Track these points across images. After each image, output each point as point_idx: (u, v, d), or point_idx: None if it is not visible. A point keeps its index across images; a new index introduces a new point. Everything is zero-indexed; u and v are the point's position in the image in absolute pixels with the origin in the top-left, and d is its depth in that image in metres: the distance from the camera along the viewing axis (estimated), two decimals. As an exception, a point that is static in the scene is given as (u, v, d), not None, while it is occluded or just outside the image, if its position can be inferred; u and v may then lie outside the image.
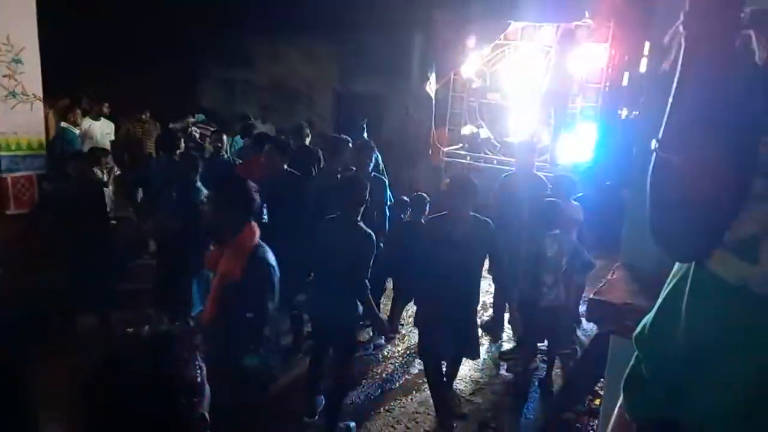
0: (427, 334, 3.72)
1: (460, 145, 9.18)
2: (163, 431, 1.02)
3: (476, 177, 8.46)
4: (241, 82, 12.42)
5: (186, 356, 1.04)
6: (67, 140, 6.99)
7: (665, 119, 0.92)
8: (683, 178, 0.88)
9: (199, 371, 1.06)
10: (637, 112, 7.63)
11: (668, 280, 1.06)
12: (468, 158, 8.85)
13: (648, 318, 1.10)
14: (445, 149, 9.16)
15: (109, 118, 8.04)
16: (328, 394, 3.67)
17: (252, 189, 2.51)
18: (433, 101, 8.93)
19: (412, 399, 4.08)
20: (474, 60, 8.70)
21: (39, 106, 6.30)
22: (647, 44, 6.25)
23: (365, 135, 6.11)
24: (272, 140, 5.17)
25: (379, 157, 5.58)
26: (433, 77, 8.94)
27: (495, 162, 8.33)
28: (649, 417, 1.10)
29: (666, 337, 1.03)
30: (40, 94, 6.28)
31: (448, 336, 3.58)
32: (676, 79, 0.90)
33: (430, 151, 9.26)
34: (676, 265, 1.05)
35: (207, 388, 1.09)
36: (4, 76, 6.00)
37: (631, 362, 1.13)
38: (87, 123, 7.52)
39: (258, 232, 2.51)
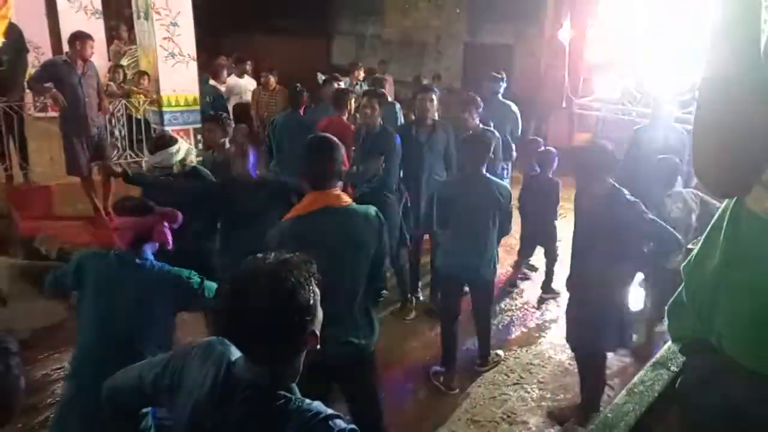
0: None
1: (596, 95, 8.66)
2: (280, 342, 1.23)
3: (606, 130, 8.01)
4: (370, 37, 12.63)
5: (302, 281, 1.22)
6: (213, 97, 7.66)
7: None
8: (716, 129, 0.97)
9: (312, 295, 1.24)
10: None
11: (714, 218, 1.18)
12: (603, 110, 8.34)
13: (695, 250, 1.20)
14: (579, 100, 8.70)
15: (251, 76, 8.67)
16: (480, 338, 3.86)
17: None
18: (567, 49, 8.46)
19: (527, 351, 4.14)
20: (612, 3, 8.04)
21: (193, 65, 6.98)
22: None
23: (500, 87, 5.66)
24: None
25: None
26: (567, 23, 8.44)
27: (633, 114, 7.79)
28: (685, 337, 1.24)
29: (704, 266, 1.13)
30: (194, 54, 6.95)
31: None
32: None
33: (563, 103, 8.85)
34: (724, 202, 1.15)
35: (320, 311, 1.28)
36: (164, 38, 6.71)
37: (677, 291, 1.27)
38: (232, 80, 8.18)
39: None
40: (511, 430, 3.32)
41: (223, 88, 7.91)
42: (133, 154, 7.05)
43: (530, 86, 9.07)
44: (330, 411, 1.23)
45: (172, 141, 3.39)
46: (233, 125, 4.62)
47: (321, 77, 7.29)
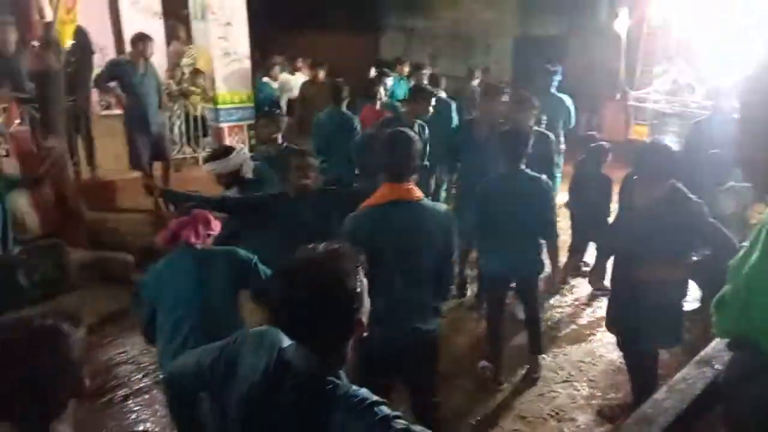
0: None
1: (653, 87, 8.37)
2: (328, 329, 1.28)
3: (665, 124, 7.72)
4: (420, 30, 12.60)
5: (350, 270, 1.28)
6: (265, 93, 7.85)
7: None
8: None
9: (359, 284, 1.29)
10: None
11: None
12: (661, 102, 8.07)
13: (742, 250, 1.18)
14: (635, 93, 8.44)
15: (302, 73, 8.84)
16: (530, 336, 3.81)
17: None
18: (623, 40, 8.20)
19: (577, 348, 4.09)
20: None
21: (247, 63, 7.19)
22: None
23: (554, 81, 5.56)
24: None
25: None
26: (624, 13, 8.16)
27: (693, 106, 7.50)
28: (729, 332, 1.29)
29: (746, 262, 1.15)
30: (247, 52, 7.15)
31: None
32: None
33: (618, 96, 8.60)
34: None
35: (367, 300, 1.33)
36: (219, 37, 6.94)
37: (724, 288, 1.29)
38: (285, 77, 8.37)
39: None
40: (559, 428, 3.30)
41: (276, 85, 8.09)
42: (190, 150, 7.32)
43: (583, 78, 8.86)
44: (376, 398, 1.26)
45: (228, 152, 3.50)
46: (286, 120, 4.74)
47: (373, 72, 7.34)
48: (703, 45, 7.88)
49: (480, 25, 11.47)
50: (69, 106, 5.88)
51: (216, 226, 2.48)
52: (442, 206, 2.45)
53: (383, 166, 2.40)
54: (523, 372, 3.77)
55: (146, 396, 3.53)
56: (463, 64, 10.48)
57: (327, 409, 1.23)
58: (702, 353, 1.54)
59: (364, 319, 1.31)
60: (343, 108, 5.24)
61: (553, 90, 5.50)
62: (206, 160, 3.52)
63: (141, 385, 3.64)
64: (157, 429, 3.27)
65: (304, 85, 7.87)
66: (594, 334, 4.25)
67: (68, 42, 6.08)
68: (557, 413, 3.41)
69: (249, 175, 3.46)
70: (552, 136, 4.51)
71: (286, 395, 1.29)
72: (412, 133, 2.44)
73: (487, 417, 3.38)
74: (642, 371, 3.14)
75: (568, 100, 5.45)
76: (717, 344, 1.63)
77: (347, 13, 11.62)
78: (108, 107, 8.36)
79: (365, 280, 1.32)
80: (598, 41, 9.04)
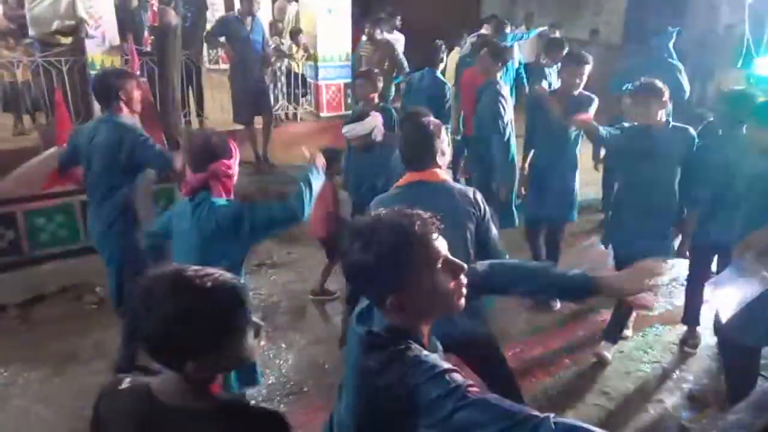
0: None
1: None
2: (399, 290, 1.23)
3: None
4: (524, -12, 12.03)
5: (425, 229, 1.24)
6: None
7: None
8: None
9: (434, 243, 1.24)
10: None
11: None
12: None
13: None
14: (762, 59, 7.63)
15: (400, 32, 8.77)
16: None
17: None
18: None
19: (671, 330, 3.93)
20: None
21: (347, 21, 7.24)
22: None
23: (671, 44, 5.15)
24: (490, 44, 4.79)
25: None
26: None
27: None
28: None
29: None
30: (348, 10, 7.19)
31: None
32: None
33: (740, 62, 7.83)
34: None
35: (441, 260, 1.26)
36: (323, -5, 7.01)
37: None
38: (381, 36, 8.35)
39: None
40: (642, 407, 3.23)
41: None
42: (291, 107, 7.57)
43: (702, 42, 8.14)
44: (447, 365, 1.18)
45: (365, 115, 3.64)
46: (382, 80, 4.75)
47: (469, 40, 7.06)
48: None
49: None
50: (183, 60, 6.26)
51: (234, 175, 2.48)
52: (471, 189, 2.39)
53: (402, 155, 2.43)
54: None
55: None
56: (570, 25, 9.93)
57: (397, 372, 1.17)
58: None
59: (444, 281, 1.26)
60: (438, 73, 5.09)
61: (666, 56, 5.10)
62: (345, 123, 3.68)
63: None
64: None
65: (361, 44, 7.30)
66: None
67: (184, -2, 6.42)
68: (643, 393, 3.34)
69: (378, 138, 3.60)
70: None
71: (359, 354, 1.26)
72: (429, 124, 2.39)
73: (570, 390, 3.36)
74: (741, 361, 2.97)
75: (680, 68, 5.03)
76: None
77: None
78: (216, 61, 8.79)
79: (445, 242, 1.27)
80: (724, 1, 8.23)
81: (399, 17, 8.86)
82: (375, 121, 3.57)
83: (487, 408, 1.09)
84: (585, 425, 1.05)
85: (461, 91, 5.47)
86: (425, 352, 1.23)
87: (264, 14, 7.20)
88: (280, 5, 8.32)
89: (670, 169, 3.32)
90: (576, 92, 3.92)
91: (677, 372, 3.51)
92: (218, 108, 7.14)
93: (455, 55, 6.73)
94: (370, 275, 1.23)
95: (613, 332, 3.64)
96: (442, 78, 5.11)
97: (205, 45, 7.44)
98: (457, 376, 1.16)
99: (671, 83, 4.91)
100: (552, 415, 1.05)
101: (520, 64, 7.06)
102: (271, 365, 3.49)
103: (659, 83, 3.33)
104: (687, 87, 5.09)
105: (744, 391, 2.91)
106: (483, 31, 6.99)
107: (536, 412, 1.07)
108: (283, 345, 3.70)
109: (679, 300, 4.27)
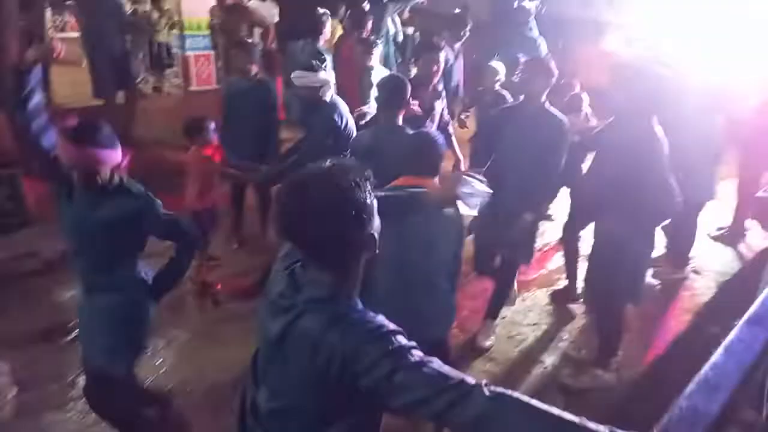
0: None
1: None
2: (338, 243, 1.22)
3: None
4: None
5: (358, 180, 1.22)
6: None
7: None
8: None
9: (369, 195, 1.24)
10: None
11: None
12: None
13: None
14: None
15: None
16: None
17: None
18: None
19: (546, 291, 4.16)
20: None
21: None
22: None
23: (533, 20, 5.53)
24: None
25: None
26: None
27: None
28: None
29: None
30: (217, -27, 6.68)
31: None
32: None
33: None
34: None
35: (377, 216, 1.27)
36: (186, -44, 6.46)
37: None
38: (254, 4, 7.91)
39: None
40: (526, 369, 3.38)
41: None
42: (154, 79, 6.97)
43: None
44: (394, 326, 1.20)
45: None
46: (259, 50, 4.49)
47: None
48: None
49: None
50: (20, 27, 5.46)
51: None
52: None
53: None
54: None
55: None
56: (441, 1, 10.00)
57: (341, 333, 1.17)
58: (751, 312, 1.49)
59: (376, 235, 1.26)
60: (319, 44, 4.97)
61: (529, 32, 5.38)
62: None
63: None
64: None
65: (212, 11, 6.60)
66: (563, 278, 4.32)
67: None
68: (525, 355, 3.50)
69: (327, 98, 3.41)
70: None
71: (296, 316, 1.24)
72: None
73: (456, 359, 3.41)
74: (608, 317, 3.22)
75: (543, 44, 5.33)
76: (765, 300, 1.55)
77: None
78: (62, 29, 7.83)
79: (374, 195, 1.26)
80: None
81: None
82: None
83: (425, 371, 1.11)
84: (516, 394, 1.08)
85: (340, 66, 5.33)
86: (371, 313, 1.23)
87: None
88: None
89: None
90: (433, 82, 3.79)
91: (554, 332, 3.72)
92: (68, 84, 6.36)
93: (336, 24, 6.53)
94: (313, 230, 1.20)
95: (495, 311, 3.64)
96: (322, 50, 4.95)
97: (48, 9, 6.58)
98: (401, 338, 1.17)
99: (532, 55, 5.18)
100: (485, 381, 1.09)
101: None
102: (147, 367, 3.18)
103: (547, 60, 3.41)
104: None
105: (612, 347, 3.20)
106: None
107: (471, 379, 1.11)
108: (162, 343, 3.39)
109: (552, 263, 4.54)
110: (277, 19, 7.31)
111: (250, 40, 4.38)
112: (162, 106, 6.63)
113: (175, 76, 7.14)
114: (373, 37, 4.99)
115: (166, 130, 5.45)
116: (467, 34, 4.99)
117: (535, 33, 5.42)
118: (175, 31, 6.81)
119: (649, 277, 4.32)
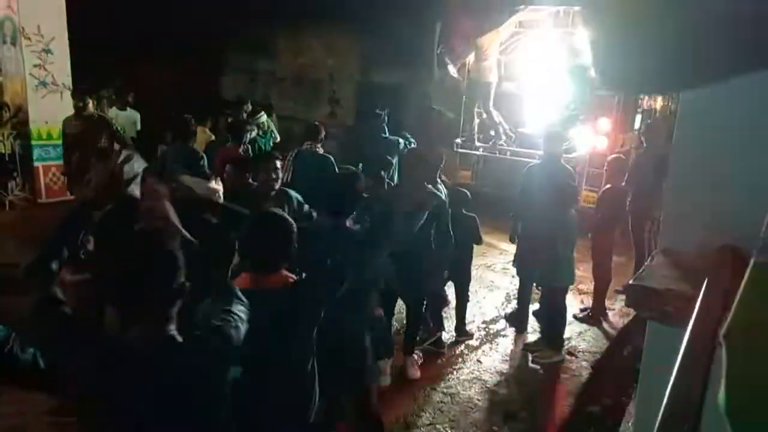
0: None
1: (465, 137, 8.71)
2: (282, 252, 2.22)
3: (491, 170, 8.26)
4: (264, 74, 12.45)
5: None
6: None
7: None
8: None
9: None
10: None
11: None
12: (480, 150, 8.47)
13: None
14: (461, 140, 8.82)
15: (134, 108, 8.13)
16: None
17: None
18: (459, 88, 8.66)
19: (434, 390, 4.09)
20: (488, 47, 8.03)
21: (68, 95, 6.41)
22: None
23: (385, 125, 6.23)
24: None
25: None
26: (452, 68, 8.61)
27: (508, 153, 8.03)
28: None
29: None
30: (69, 84, 6.40)
31: None
32: None
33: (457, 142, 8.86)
34: None
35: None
36: (35, 66, 6.13)
37: None
38: (113, 113, 7.62)
39: None
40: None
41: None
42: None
43: (421, 125, 9.28)
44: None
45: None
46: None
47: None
48: (518, 97, 8.55)
49: (324, 71, 11.67)
50: None
51: None
52: None
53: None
54: (387, 411, 3.62)
55: None
56: (310, 109, 10.50)
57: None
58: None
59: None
60: (192, 144, 5.12)
61: (382, 133, 6.06)
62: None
63: None
64: None
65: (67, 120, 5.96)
66: (451, 373, 4.29)
67: None
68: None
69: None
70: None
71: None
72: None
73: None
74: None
75: (400, 143, 5.97)
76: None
77: (186, 50, 11.02)
78: None
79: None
80: (437, 91, 9.52)
81: (132, 94, 8.22)
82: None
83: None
84: None
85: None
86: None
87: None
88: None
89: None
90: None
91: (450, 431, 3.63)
92: None
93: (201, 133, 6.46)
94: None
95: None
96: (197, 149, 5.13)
97: None
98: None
99: (380, 155, 5.65)
100: None
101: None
102: None
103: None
104: (393, 160, 5.76)
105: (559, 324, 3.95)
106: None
107: None
108: None
109: (439, 359, 4.51)
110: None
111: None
112: (3, 220, 5.94)
113: (19, 188, 6.48)
114: None
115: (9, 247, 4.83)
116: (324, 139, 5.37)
117: (386, 134, 6.18)
118: (19, 141, 6.26)
119: (531, 362, 4.49)
